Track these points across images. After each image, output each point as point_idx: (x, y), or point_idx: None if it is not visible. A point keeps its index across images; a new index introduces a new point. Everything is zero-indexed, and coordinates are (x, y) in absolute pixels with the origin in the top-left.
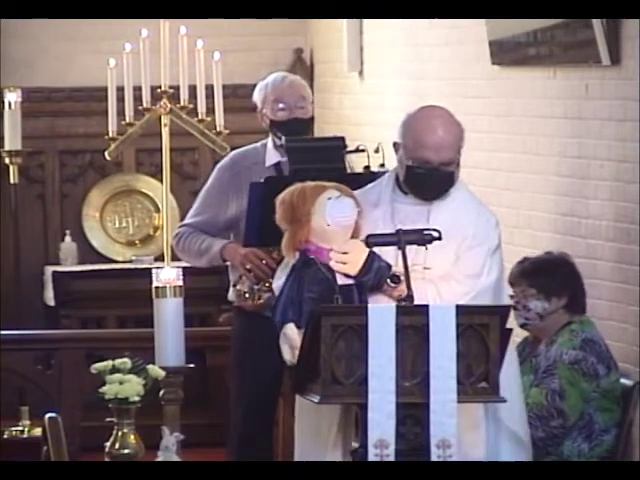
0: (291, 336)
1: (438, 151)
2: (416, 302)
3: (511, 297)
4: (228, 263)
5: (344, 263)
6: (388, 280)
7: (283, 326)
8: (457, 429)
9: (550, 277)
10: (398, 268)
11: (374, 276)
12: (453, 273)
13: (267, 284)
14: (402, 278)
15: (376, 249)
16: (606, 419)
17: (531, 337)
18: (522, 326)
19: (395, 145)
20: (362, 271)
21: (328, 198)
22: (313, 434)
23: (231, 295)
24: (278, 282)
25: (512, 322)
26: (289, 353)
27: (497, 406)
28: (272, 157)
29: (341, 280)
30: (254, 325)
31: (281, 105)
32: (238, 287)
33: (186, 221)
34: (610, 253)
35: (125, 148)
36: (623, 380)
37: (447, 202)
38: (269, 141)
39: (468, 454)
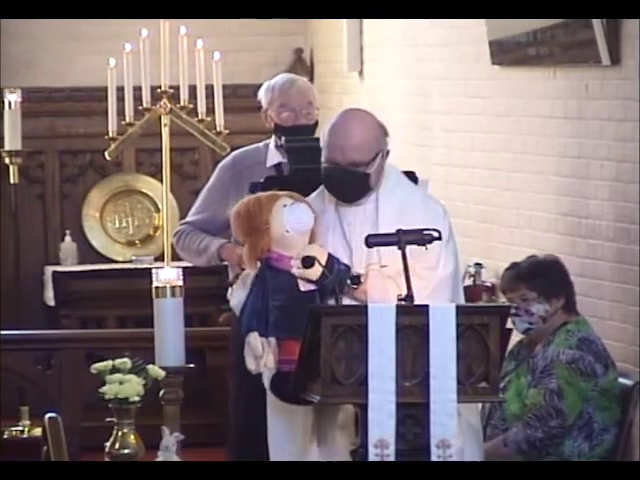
0: (254, 345)
1: (344, 151)
2: (377, 300)
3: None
4: (227, 263)
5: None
6: (348, 281)
7: (249, 333)
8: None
9: (547, 279)
10: (356, 268)
11: (335, 278)
12: (413, 268)
13: None
14: (362, 279)
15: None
16: (605, 418)
17: (526, 339)
18: (525, 332)
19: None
20: (323, 275)
21: (284, 205)
22: (287, 436)
23: (229, 294)
24: (237, 298)
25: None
26: (253, 363)
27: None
28: (274, 158)
29: (303, 287)
30: None
31: (287, 110)
32: (234, 286)
33: (187, 219)
34: (610, 253)
35: (125, 148)
36: (623, 380)
37: (393, 201)
38: (272, 141)
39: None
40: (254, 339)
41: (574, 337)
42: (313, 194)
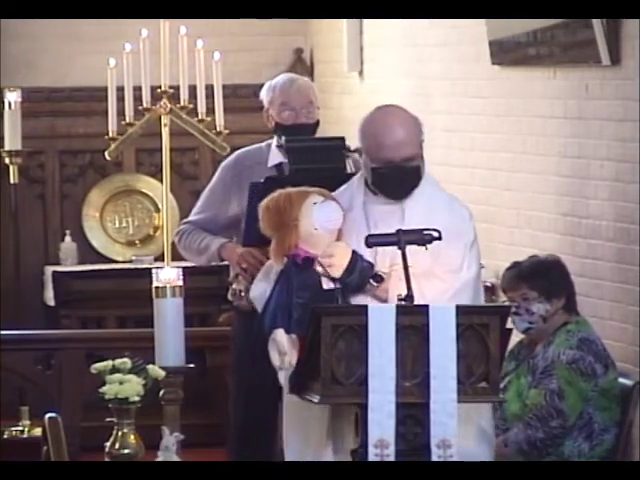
0: (280, 342)
1: (397, 149)
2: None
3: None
4: (227, 262)
5: (329, 266)
6: (370, 280)
7: (272, 332)
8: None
9: (548, 279)
10: (380, 267)
11: (358, 277)
12: (434, 270)
13: None
14: (384, 277)
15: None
16: (605, 418)
17: (527, 340)
18: (525, 331)
19: (358, 150)
20: (346, 273)
21: (314, 203)
22: (302, 439)
23: (229, 294)
24: (257, 290)
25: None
26: (278, 359)
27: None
28: (275, 157)
29: (326, 284)
30: (253, 324)
31: (288, 109)
32: (234, 286)
33: (189, 218)
34: (610, 253)
35: (125, 148)
36: (623, 380)
37: (420, 200)
38: (274, 141)
39: (459, 448)
40: (280, 336)
41: (574, 337)
42: (338, 191)
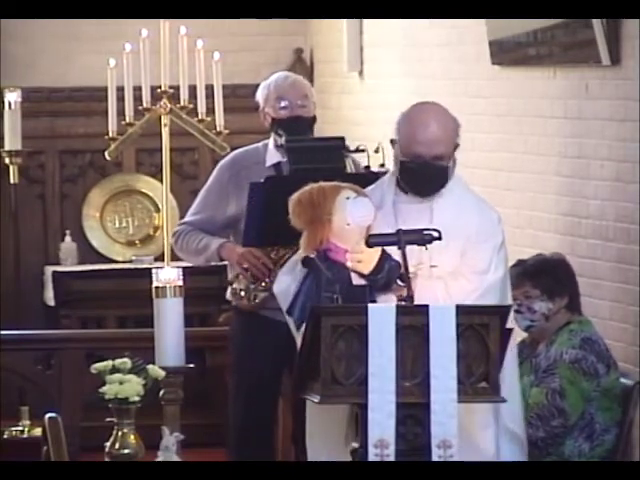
0: None
1: (429, 146)
2: (426, 301)
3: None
4: (226, 262)
5: (359, 262)
6: (398, 279)
7: (301, 324)
8: (466, 428)
9: (552, 277)
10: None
11: (386, 275)
12: (461, 270)
13: (263, 284)
14: (410, 277)
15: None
16: (606, 418)
17: (529, 339)
18: (526, 329)
19: (392, 142)
20: (375, 270)
21: (346, 198)
22: (324, 439)
23: (229, 294)
24: (281, 284)
25: (512, 324)
26: None
27: (498, 405)
28: (272, 157)
29: (355, 280)
30: (252, 324)
31: (283, 103)
32: (234, 285)
33: (185, 219)
34: (610, 253)
35: (125, 148)
36: (623, 380)
37: (449, 200)
38: (270, 141)
39: (479, 453)
40: None
41: (577, 337)
42: (370, 187)
